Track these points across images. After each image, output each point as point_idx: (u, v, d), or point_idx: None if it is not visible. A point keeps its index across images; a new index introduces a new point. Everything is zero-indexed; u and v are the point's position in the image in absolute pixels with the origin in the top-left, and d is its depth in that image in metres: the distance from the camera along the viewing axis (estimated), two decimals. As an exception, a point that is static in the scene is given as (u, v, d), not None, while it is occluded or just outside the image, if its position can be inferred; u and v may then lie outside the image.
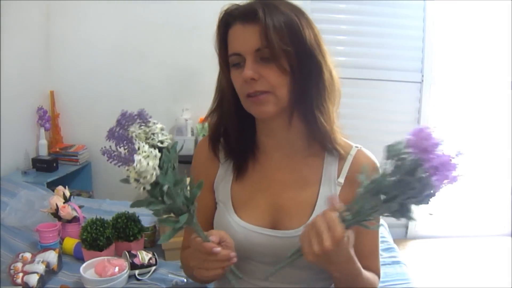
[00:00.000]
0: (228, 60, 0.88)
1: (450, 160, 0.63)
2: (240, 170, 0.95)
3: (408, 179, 0.65)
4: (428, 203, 0.67)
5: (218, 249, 0.76)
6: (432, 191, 0.65)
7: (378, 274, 0.95)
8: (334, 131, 0.91)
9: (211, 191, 0.98)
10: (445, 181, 0.63)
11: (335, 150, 0.92)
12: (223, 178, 0.97)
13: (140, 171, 0.67)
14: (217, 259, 0.77)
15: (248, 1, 0.87)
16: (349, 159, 0.93)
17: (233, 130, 0.94)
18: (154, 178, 0.69)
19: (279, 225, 0.91)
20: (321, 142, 0.91)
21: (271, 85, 0.83)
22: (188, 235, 1.02)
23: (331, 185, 0.92)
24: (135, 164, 0.67)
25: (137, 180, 0.68)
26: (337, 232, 0.70)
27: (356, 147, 0.96)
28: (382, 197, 0.68)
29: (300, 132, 0.92)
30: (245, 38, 0.84)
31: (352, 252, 0.77)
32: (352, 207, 0.71)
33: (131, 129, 0.75)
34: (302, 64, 0.84)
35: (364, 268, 0.89)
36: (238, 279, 0.84)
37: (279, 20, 0.83)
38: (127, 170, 0.68)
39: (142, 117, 0.76)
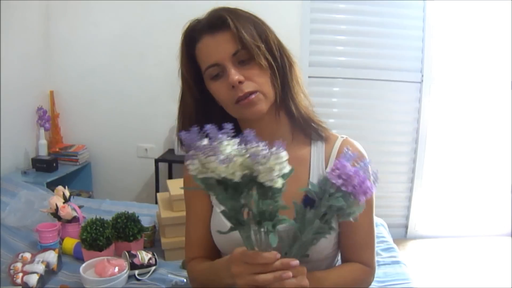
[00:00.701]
0: (195, 78, 0.89)
1: (366, 179, 0.72)
2: None
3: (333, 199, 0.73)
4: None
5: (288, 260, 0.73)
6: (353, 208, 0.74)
7: (370, 266, 0.96)
8: (315, 118, 0.95)
9: (206, 195, 0.99)
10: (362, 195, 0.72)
11: (320, 138, 0.96)
12: None
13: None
14: (277, 268, 0.72)
15: (208, 13, 0.90)
16: (335, 149, 0.95)
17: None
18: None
19: None
20: (306, 130, 0.95)
21: (257, 84, 0.86)
22: (196, 244, 1.01)
23: (319, 177, 0.92)
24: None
25: (213, 172, 0.67)
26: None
27: (342, 137, 0.98)
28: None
29: (286, 125, 0.95)
30: (219, 46, 0.85)
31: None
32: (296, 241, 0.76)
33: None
34: (276, 59, 0.88)
35: (355, 260, 0.93)
36: None
37: (245, 22, 0.86)
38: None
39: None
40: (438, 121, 3.03)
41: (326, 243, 0.91)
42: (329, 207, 0.73)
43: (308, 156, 0.95)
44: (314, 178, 0.93)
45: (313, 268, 0.91)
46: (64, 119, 3.09)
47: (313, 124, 0.95)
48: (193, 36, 0.89)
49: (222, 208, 0.95)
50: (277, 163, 0.66)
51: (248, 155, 0.66)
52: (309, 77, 2.89)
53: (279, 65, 0.89)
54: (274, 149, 0.66)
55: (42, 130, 2.89)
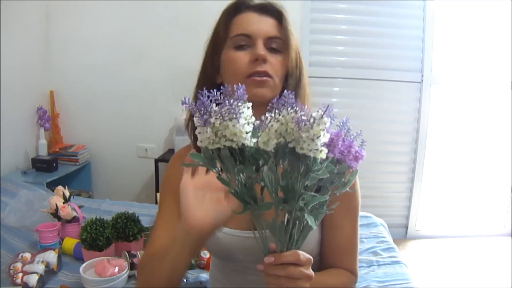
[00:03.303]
0: (224, 43, 0.91)
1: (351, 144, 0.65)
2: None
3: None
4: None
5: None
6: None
7: (353, 273, 0.94)
8: None
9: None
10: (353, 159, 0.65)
11: None
12: None
13: (236, 132, 0.59)
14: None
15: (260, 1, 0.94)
16: None
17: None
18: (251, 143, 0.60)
19: None
20: None
21: (275, 72, 0.88)
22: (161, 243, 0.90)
23: None
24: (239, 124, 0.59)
25: (231, 140, 0.60)
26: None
27: None
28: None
29: None
30: (260, 24, 0.89)
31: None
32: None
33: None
34: (297, 62, 0.93)
35: (337, 266, 0.91)
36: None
37: (288, 21, 0.92)
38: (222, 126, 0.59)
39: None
40: (438, 121, 3.03)
41: (314, 243, 0.91)
42: (320, 180, 0.64)
43: None
44: None
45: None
46: (64, 119, 3.09)
47: None
48: (238, 6, 0.92)
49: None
50: (322, 129, 0.57)
51: (292, 120, 0.58)
52: (309, 77, 2.87)
53: (298, 69, 0.93)
54: (316, 113, 0.58)
55: (42, 130, 2.89)
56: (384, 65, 2.94)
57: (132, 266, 1.50)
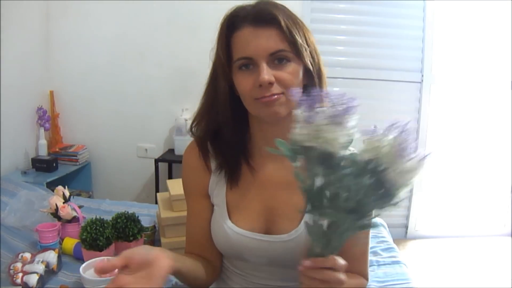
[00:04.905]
0: (229, 63, 0.86)
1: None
2: (233, 177, 0.94)
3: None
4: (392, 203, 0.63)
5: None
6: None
7: (366, 278, 0.94)
8: None
9: (206, 196, 0.98)
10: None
11: None
12: (217, 184, 0.96)
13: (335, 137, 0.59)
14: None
15: (254, 4, 0.86)
16: None
17: (228, 135, 0.92)
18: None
19: (272, 228, 0.91)
20: None
21: (286, 87, 0.82)
22: (194, 241, 0.99)
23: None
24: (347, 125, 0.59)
25: (328, 143, 0.60)
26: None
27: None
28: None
29: None
30: (258, 41, 0.82)
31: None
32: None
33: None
34: (314, 64, 0.87)
35: (352, 271, 0.90)
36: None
37: (293, 21, 0.84)
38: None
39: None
40: (438, 121, 3.03)
41: None
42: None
43: None
44: None
45: None
46: (64, 119, 3.09)
47: None
48: (234, 22, 0.86)
49: (217, 208, 0.95)
50: (418, 170, 0.58)
51: (398, 142, 0.58)
52: (309, 77, 2.89)
53: (315, 71, 0.87)
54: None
55: (42, 130, 2.89)
56: (384, 65, 2.94)
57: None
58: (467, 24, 2.90)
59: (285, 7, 0.87)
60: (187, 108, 2.92)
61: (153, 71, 2.98)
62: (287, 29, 0.82)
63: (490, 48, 2.93)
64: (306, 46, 0.85)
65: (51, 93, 3.03)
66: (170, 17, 2.93)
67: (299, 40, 0.83)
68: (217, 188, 0.96)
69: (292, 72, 0.83)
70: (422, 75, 2.93)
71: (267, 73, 0.81)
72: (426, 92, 2.95)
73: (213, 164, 0.96)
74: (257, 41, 0.82)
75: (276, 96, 0.82)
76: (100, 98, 3.06)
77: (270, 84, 0.81)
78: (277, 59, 0.83)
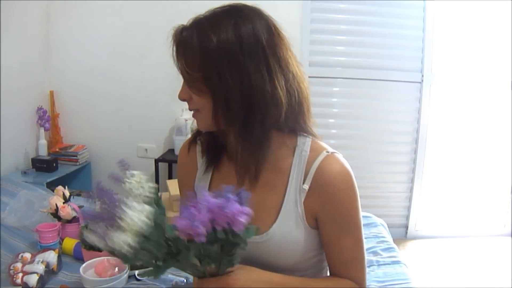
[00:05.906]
0: None
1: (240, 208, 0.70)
2: (212, 175, 0.98)
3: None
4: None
5: None
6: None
7: (359, 283, 0.91)
8: (307, 127, 0.92)
9: (194, 192, 0.99)
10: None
11: (305, 150, 0.91)
12: (200, 181, 0.99)
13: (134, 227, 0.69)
14: None
15: (190, 22, 0.94)
16: (315, 165, 0.88)
17: (207, 136, 0.98)
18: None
19: None
20: (290, 140, 0.91)
21: (201, 106, 0.87)
22: None
23: (296, 191, 0.89)
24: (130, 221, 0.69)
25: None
26: None
27: (327, 152, 0.89)
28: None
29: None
30: (177, 60, 0.90)
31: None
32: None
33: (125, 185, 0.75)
34: (220, 86, 0.82)
35: (342, 275, 0.90)
36: None
37: (195, 46, 0.85)
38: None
39: (122, 165, 0.74)
40: (438, 121, 3.03)
41: (288, 250, 0.89)
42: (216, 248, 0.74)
43: (289, 167, 0.90)
44: (291, 190, 0.89)
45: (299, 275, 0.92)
46: (64, 119, 3.09)
47: (302, 134, 0.91)
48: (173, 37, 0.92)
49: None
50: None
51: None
52: (309, 77, 2.89)
53: (224, 93, 0.82)
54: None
55: (42, 130, 2.89)
56: (384, 65, 2.94)
57: (132, 266, 1.50)
58: (467, 24, 2.90)
59: (222, 23, 0.88)
60: (187, 108, 2.92)
61: (153, 71, 2.98)
62: (175, 55, 0.89)
63: (490, 48, 2.93)
64: (195, 73, 0.84)
65: (51, 93, 3.03)
66: (170, 17, 2.92)
67: (181, 67, 0.87)
68: (201, 185, 0.99)
69: (198, 99, 0.86)
70: (422, 75, 2.93)
71: (182, 90, 0.88)
72: (426, 92, 2.95)
73: (199, 162, 1.01)
74: (176, 60, 0.90)
75: (194, 112, 0.89)
76: (100, 98, 3.06)
77: (184, 100, 0.88)
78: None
